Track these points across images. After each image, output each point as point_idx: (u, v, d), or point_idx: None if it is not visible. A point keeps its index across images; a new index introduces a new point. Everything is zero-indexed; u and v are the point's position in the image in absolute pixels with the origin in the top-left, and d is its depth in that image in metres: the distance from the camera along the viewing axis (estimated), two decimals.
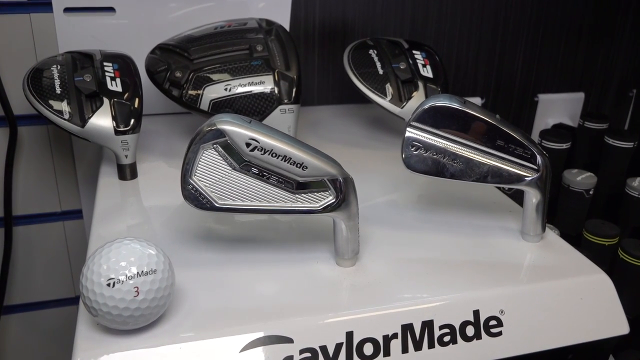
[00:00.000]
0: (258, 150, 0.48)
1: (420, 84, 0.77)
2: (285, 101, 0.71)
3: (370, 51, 0.80)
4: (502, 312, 0.51)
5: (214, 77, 0.70)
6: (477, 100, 1.03)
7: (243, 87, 0.70)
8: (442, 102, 0.55)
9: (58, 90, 0.66)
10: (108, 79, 0.68)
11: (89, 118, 0.66)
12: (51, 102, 0.66)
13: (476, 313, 0.50)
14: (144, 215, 0.63)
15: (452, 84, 1.01)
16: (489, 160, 0.56)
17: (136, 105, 0.68)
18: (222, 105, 0.70)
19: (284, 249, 0.56)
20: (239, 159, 0.49)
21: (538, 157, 0.55)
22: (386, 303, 0.50)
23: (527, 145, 0.55)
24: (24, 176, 0.88)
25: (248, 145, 0.48)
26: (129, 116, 0.67)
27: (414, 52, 0.80)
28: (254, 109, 0.70)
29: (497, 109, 1.06)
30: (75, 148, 0.89)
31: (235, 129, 0.48)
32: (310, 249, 0.56)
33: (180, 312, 0.47)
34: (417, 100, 0.76)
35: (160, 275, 0.44)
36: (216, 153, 0.49)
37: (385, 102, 0.76)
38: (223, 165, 0.49)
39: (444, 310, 0.50)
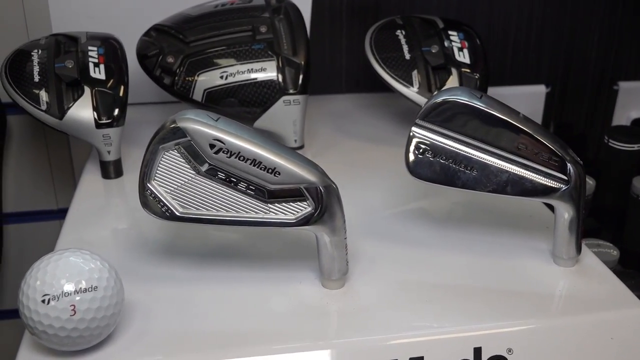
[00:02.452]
0: (223, 152, 0.48)
1: (454, 71, 0.75)
2: (290, 91, 0.71)
3: (398, 32, 0.78)
4: (509, 351, 0.49)
5: (209, 63, 0.71)
6: (541, 89, 0.99)
7: (241, 74, 0.70)
8: (454, 96, 0.53)
9: (36, 78, 0.69)
10: (91, 65, 0.70)
11: (68, 109, 0.68)
12: (28, 90, 0.68)
13: (477, 351, 0.48)
14: (121, 220, 0.64)
15: (509, 69, 0.98)
16: (509, 167, 0.53)
17: (120, 94, 0.70)
18: (218, 95, 0.71)
19: (263, 265, 0.56)
20: (204, 162, 0.49)
21: (569, 165, 0.53)
22: (372, 334, 0.49)
23: (556, 150, 0.53)
24: (16, 170, 0.92)
25: (212, 146, 0.48)
26: (111, 107, 0.69)
27: (449, 32, 0.78)
28: (254, 99, 0.71)
29: (567, 99, 1.02)
30: (72, 139, 0.92)
31: (198, 127, 0.48)
32: (293, 266, 0.55)
33: (132, 333, 0.48)
34: None
35: (102, 293, 0.45)
36: (178, 155, 0.49)
37: (410, 92, 0.74)
38: (186, 169, 0.50)
39: (437, 347, 0.48)
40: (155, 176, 0.50)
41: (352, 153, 0.77)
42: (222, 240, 0.59)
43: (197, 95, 0.71)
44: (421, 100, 0.74)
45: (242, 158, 0.48)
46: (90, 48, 0.72)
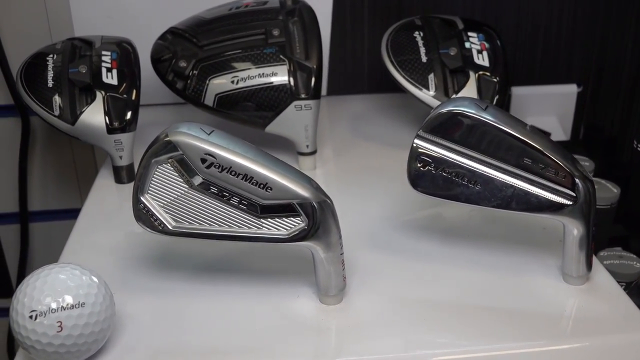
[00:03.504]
0: (215, 167, 0.48)
1: (472, 74, 0.72)
2: (302, 96, 0.70)
3: (416, 33, 0.76)
4: None
5: (221, 67, 0.70)
6: (573, 89, 0.95)
7: (252, 79, 0.70)
8: (457, 107, 0.52)
9: (50, 84, 0.69)
10: (104, 70, 0.70)
11: (81, 114, 0.68)
12: (42, 96, 0.69)
13: None
14: (129, 226, 0.64)
15: (539, 68, 0.94)
16: (514, 182, 0.51)
17: (132, 98, 0.70)
18: (229, 101, 0.70)
19: (259, 278, 0.55)
20: (196, 175, 0.48)
21: (577, 181, 0.50)
22: (369, 353, 0.48)
23: (564, 165, 0.50)
24: (41, 169, 0.94)
25: (204, 161, 0.48)
26: (123, 112, 0.69)
27: (469, 34, 0.75)
28: (264, 105, 0.70)
29: (600, 98, 0.97)
30: None
31: (190, 141, 0.48)
32: (291, 280, 0.55)
33: (123, 347, 0.48)
34: (468, 94, 0.72)
35: (89, 310, 0.45)
36: (171, 168, 0.49)
37: (425, 96, 0.72)
38: (179, 183, 0.49)
39: None
40: (149, 190, 0.49)
41: (364, 158, 0.76)
42: (220, 251, 0.59)
43: (209, 100, 0.70)
44: (436, 104, 0.72)
45: (233, 173, 0.48)
46: (104, 53, 0.72)
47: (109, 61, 0.71)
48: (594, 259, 0.55)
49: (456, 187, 0.52)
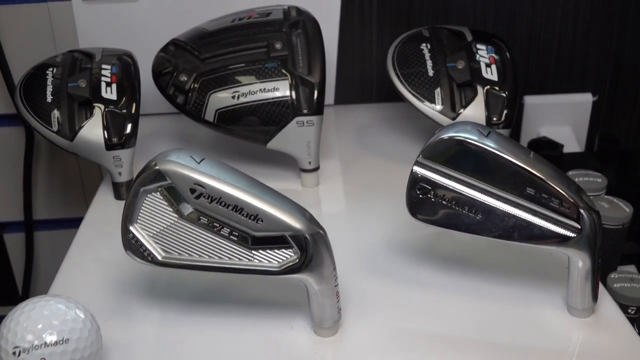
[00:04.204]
0: (204, 197, 0.46)
1: (481, 89, 0.70)
2: (304, 111, 0.68)
3: (423, 45, 0.74)
4: None
5: (221, 82, 0.69)
6: (588, 98, 0.92)
7: (253, 94, 0.68)
8: (458, 134, 0.50)
9: (49, 98, 0.68)
10: (103, 85, 0.69)
11: (80, 129, 0.67)
12: (40, 111, 0.68)
13: None
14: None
15: (553, 76, 0.92)
16: (516, 213, 0.49)
17: (132, 112, 0.68)
18: (230, 116, 0.69)
19: (253, 308, 0.54)
20: (186, 205, 0.47)
21: (582, 212, 0.48)
22: None
23: (569, 196, 0.48)
24: (47, 178, 0.93)
25: (193, 191, 0.46)
26: (122, 128, 0.68)
27: (478, 46, 0.73)
28: (266, 121, 0.68)
29: (615, 107, 0.94)
30: None
31: (179, 170, 0.46)
32: (285, 311, 0.53)
33: None
34: (475, 109, 0.70)
35: (74, 346, 0.44)
36: (161, 197, 0.47)
37: (431, 111, 0.70)
38: (169, 212, 0.48)
39: None
40: (138, 219, 0.48)
41: (369, 174, 0.74)
42: (213, 280, 0.57)
43: (209, 115, 0.69)
44: (444, 120, 0.70)
45: (223, 204, 0.46)
46: (104, 66, 0.70)
47: (109, 75, 0.70)
48: (601, 288, 0.53)
49: (456, 216, 0.50)
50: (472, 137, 0.49)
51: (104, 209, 0.70)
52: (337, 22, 0.86)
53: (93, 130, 0.67)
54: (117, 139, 0.67)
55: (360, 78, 0.90)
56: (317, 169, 0.71)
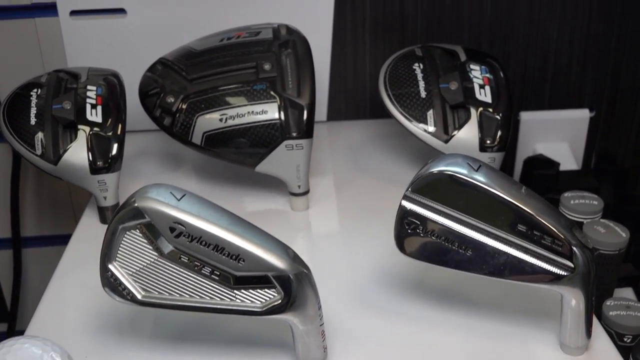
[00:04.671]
0: (184, 236, 0.45)
1: (474, 111, 0.68)
2: (293, 135, 0.66)
3: (415, 65, 0.72)
4: None
5: (209, 104, 0.67)
6: (585, 114, 0.90)
7: (241, 117, 0.66)
8: (448, 168, 0.48)
9: (32, 121, 0.67)
10: (88, 107, 0.67)
11: (64, 153, 0.66)
12: (24, 134, 0.66)
13: None
14: None
15: (549, 92, 0.90)
16: (507, 250, 0.48)
17: (118, 133, 0.67)
18: (217, 139, 0.67)
19: (237, 347, 0.52)
20: (166, 243, 0.45)
21: (575, 250, 0.47)
22: None
23: (560, 233, 0.46)
24: (34, 195, 0.92)
25: (172, 229, 0.45)
26: (107, 152, 0.66)
27: (471, 66, 0.71)
28: (254, 144, 0.66)
29: (613, 124, 0.93)
30: None
31: (158, 208, 0.45)
32: (270, 350, 0.51)
33: None
34: (468, 132, 0.68)
35: None
36: (140, 235, 0.46)
37: (423, 133, 0.69)
38: (148, 250, 0.46)
39: None
40: (117, 257, 0.46)
41: (361, 197, 0.72)
42: (196, 318, 0.55)
43: (196, 138, 0.67)
44: (435, 142, 0.68)
45: (203, 243, 0.45)
46: (89, 87, 0.69)
47: (94, 97, 0.68)
48: (595, 321, 0.51)
49: (446, 252, 0.49)
50: (462, 172, 0.48)
51: (90, 233, 0.68)
52: (329, 38, 0.85)
53: (77, 153, 0.66)
54: (102, 163, 0.66)
55: (353, 94, 0.89)
56: (306, 192, 0.69)
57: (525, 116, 0.90)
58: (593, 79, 0.90)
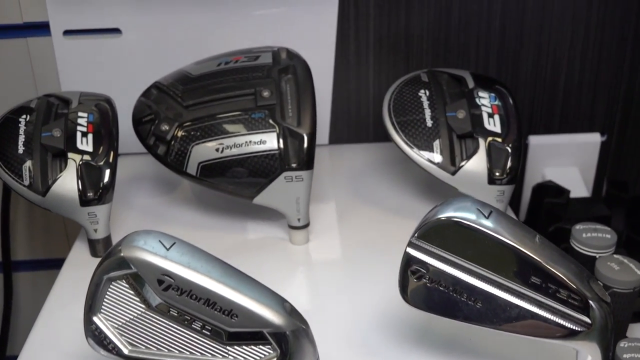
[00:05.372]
0: (173, 289, 0.42)
1: (482, 141, 0.65)
2: (293, 166, 0.63)
3: (422, 92, 0.69)
4: None
5: (205, 132, 0.64)
6: (596, 138, 0.87)
7: (238, 147, 0.63)
8: (456, 214, 0.45)
9: (20, 149, 0.64)
10: (79, 135, 0.64)
11: (53, 183, 0.63)
12: (11, 163, 0.63)
13: None
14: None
15: (559, 115, 0.87)
16: (519, 303, 0.44)
17: (110, 161, 0.64)
18: (213, 170, 0.64)
19: None
20: (154, 296, 0.42)
21: (592, 304, 0.43)
22: None
23: (577, 287, 0.43)
24: (26, 218, 0.89)
25: (161, 282, 0.42)
26: (97, 182, 0.63)
27: (479, 93, 0.68)
28: (252, 175, 0.63)
29: (625, 149, 0.90)
30: None
31: (145, 259, 0.42)
32: None
33: None
34: (477, 163, 0.65)
35: None
36: (127, 286, 0.43)
37: (429, 165, 0.65)
38: (135, 302, 0.43)
39: None
40: (102, 309, 0.44)
41: (364, 230, 0.69)
42: None
43: (192, 168, 0.64)
44: (442, 174, 0.65)
45: (194, 297, 0.42)
46: (80, 114, 0.66)
47: (85, 124, 0.65)
48: None
49: (454, 304, 0.46)
50: (471, 218, 0.45)
51: (81, 264, 0.65)
52: (332, 58, 0.82)
53: (67, 184, 0.63)
54: (93, 194, 0.63)
55: (356, 117, 0.86)
56: (306, 225, 0.66)
57: (534, 140, 0.87)
58: (604, 102, 0.87)
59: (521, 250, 0.44)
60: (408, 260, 0.46)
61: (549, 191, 0.81)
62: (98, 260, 0.63)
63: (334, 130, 0.86)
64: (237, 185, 0.64)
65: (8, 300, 0.91)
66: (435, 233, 0.45)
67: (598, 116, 0.88)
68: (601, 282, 0.60)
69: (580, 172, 0.88)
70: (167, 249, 0.42)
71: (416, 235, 0.46)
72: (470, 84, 0.69)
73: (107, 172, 0.64)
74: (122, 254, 0.42)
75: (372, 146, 0.86)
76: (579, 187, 0.86)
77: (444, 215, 0.45)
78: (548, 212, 0.80)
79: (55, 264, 0.92)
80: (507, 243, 0.44)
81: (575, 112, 0.87)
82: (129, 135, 0.68)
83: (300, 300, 0.61)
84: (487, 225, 0.44)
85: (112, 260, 0.42)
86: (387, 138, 0.84)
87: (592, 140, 0.88)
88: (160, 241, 0.43)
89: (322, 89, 0.68)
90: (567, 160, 0.88)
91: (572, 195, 0.81)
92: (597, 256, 0.66)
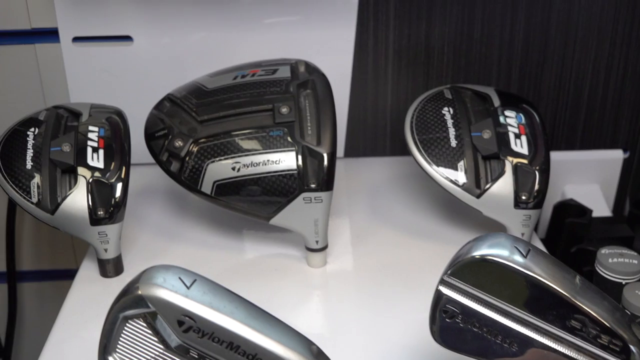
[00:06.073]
0: (194, 331, 0.39)
1: (508, 163, 0.63)
2: (312, 186, 0.61)
3: (445, 109, 0.66)
4: None
5: (221, 150, 0.61)
6: (618, 154, 0.85)
7: (255, 166, 0.61)
8: (492, 251, 0.42)
9: (29, 165, 0.61)
10: (89, 150, 0.62)
11: (63, 201, 0.60)
12: (19, 179, 0.61)
13: None
14: None
15: (581, 131, 0.84)
16: (557, 347, 0.42)
17: (122, 176, 0.61)
18: (229, 189, 0.61)
19: None
20: (173, 336, 0.40)
21: (634, 350, 0.41)
22: None
23: (618, 333, 0.41)
24: (33, 228, 0.87)
25: (181, 323, 0.39)
26: (108, 200, 0.61)
27: (506, 113, 0.66)
28: (269, 196, 0.61)
29: None
30: None
31: (165, 298, 0.39)
32: None
33: None
34: (503, 186, 0.63)
35: None
36: (144, 325, 0.40)
37: (453, 187, 0.63)
38: (153, 342, 0.41)
39: None
40: (117, 349, 0.41)
41: (383, 252, 0.67)
42: None
43: (206, 187, 0.62)
44: (467, 197, 0.63)
45: (216, 340, 0.39)
46: (90, 128, 0.63)
47: (96, 139, 0.63)
48: None
49: (488, 346, 0.43)
50: (509, 257, 0.42)
51: (90, 285, 0.63)
52: (349, 69, 0.79)
53: (77, 202, 0.60)
54: (103, 213, 0.60)
55: (373, 129, 0.83)
56: (325, 248, 0.64)
57: (555, 156, 0.83)
58: (628, 118, 0.84)
59: (561, 292, 0.41)
60: (440, 299, 0.44)
61: (571, 210, 0.79)
62: (108, 280, 0.63)
63: (349, 142, 0.83)
64: (254, 205, 0.62)
65: (12, 311, 0.89)
66: (469, 271, 0.43)
67: (621, 132, 0.85)
68: (628, 310, 0.58)
69: (601, 190, 0.86)
70: (188, 287, 0.40)
71: (449, 272, 0.43)
72: (496, 102, 0.67)
73: (119, 189, 0.61)
74: (139, 292, 0.40)
75: (389, 160, 0.83)
76: (600, 205, 0.84)
77: (478, 252, 0.43)
78: (570, 232, 0.77)
79: (62, 275, 0.90)
80: (546, 284, 0.41)
81: (597, 128, 0.84)
82: (140, 145, 0.66)
83: (317, 329, 0.59)
84: (526, 264, 0.42)
85: (129, 298, 0.40)
86: (404, 152, 0.82)
87: (615, 157, 0.85)
88: (180, 278, 0.40)
89: (338, 99, 0.66)
90: (588, 177, 0.85)
91: (594, 214, 0.79)
92: (624, 282, 0.64)
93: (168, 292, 0.39)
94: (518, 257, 0.42)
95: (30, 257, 0.89)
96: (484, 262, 0.42)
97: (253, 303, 0.41)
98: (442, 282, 0.44)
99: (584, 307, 0.41)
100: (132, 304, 0.40)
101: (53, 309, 0.90)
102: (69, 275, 0.88)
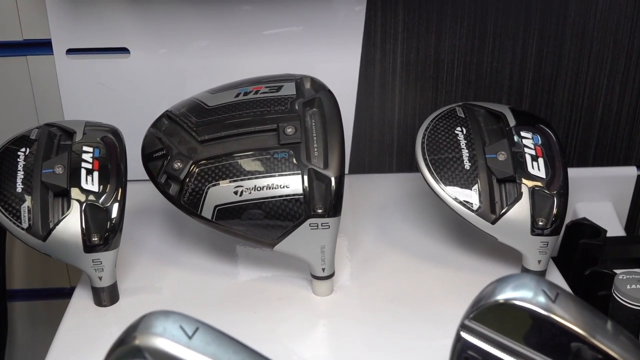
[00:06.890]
0: None
1: (525, 187, 0.60)
2: (319, 212, 0.57)
3: (458, 129, 0.63)
4: None
5: (223, 173, 0.58)
6: (632, 171, 0.82)
7: (259, 190, 0.57)
8: (517, 295, 0.39)
9: (19, 187, 0.58)
10: (83, 173, 0.58)
11: (55, 226, 0.57)
12: (8, 203, 0.57)
13: None
14: None
15: (594, 148, 0.81)
16: None
17: (117, 202, 0.58)
18: (231, 214, 0.58)
19: None
20: None
21: None
22: None
23: None
24: (23, 245, 0.83)
25: None
26: (103, 226, 0.57)
27: (522, 133, 0.62)
28: (273, 221, 0.58)
29: None
30: None
31: (165, 351, 0.36)
32: None
33: None
34: (519, 212, 0.59)
35: None
36: None
37: (467, 212, 0.60)
38: None
39: None
40: None
41: (390, 279, 0.64)
42: None
43: (207, 212, 0.58)
44: (482, 223, 0.60)
45: None
46: (85, 149, 0.60)
47: (91, 160, 0.59)
48: None
49: None
50: (536, 302, 0.39)
51: (83, 315, 0.59)
52: (355, 83, 0.76)
53: (69, 227, 0.57)
54: (98, 239, 0.57)
55: (379, 145, 0.80)
56: (331, 275, 0.60)
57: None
58: None
59: (592, 341, 0.38)
60: (461, 346, 0.40)
61: (585, 230, 0.76)
62: (103, 309, 0.60)
63: (355, 158, 0.80)
64: (257, 231, 0.58)
65: (3, 332, 0.85)
66: (493, 316, 0.40)
67: (635, 149, 0.82)
68: None
69: (614, 207, 0.83)
70: (190, 337, 0.37)
71: (470, 316, 0.40)
72: (511, 121, 0.63)
73: (114, 214, 0.58)
74: (137, 342, 0.36)
75: (395, 177, 0.80)
76: (613, 224, 0.81)
77: (502, 296, 0.39)
78: (584, 253, 0.75)
79: (54, 294, 0.86)
80: (577, 332, 0.38)
81: (611, 144, 0.82)
82: (136, 161, 0.62)
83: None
84: (555, 311, 0.38)
85: (125, 348, 0.37)
86: (411, 168, 0.79)
87: (628, 174, 0.82)
88: (181, 327, 0.37)
89: (344, 114, 0.63)
90: (600, 195, 0.83)
91: (607, 233, 0.76)
92: None
93: (168, 342, 0.36)
94: (545, 301, 0.39)
95: (21, 276, 0.85)
96: (509, 307, 0.39)
97: (261, 353, 0.38)
98: (463, 326, 0.40)
99: (614, 354, 0.38)
100: (128, 354, 0.37)
101: (45, 329, 0.87)
102: (62, 294, 0.85)
